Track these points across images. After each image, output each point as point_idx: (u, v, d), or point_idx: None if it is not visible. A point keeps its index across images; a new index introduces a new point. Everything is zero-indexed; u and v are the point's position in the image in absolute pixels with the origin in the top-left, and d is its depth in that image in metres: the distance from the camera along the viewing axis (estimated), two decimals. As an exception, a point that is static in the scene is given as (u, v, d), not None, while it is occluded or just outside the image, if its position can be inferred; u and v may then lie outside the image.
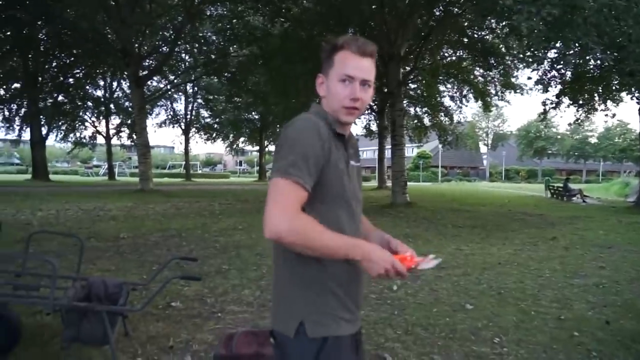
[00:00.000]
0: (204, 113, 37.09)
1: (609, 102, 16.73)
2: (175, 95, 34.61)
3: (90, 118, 31.09)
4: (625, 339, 3.52)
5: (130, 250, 6.38)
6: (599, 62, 13.49)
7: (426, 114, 24.77)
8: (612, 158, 57.44)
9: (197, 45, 22.14)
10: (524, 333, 3.56)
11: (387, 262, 1.12)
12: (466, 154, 54.33)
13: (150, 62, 22.53)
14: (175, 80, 28.21)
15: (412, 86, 22.06)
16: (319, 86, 1.31)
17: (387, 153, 23.17)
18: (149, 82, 24.60)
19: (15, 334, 2.82)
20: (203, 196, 17.07)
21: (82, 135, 31.47)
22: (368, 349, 3.20)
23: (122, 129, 32.39)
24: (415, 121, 25.26)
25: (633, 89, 14.45)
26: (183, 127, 35.94)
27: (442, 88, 22.10)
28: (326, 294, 1.20)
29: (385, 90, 16.43)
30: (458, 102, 22.62)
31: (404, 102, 19.13)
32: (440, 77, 20.14)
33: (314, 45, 15.86)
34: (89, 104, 29.71)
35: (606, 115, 16.48)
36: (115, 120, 32.47)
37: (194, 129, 37.07)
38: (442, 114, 23.73)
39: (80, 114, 29.83)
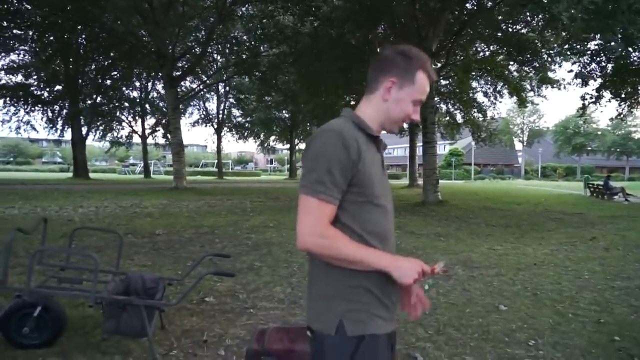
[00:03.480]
0: (236, 112, 37.74)
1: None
2: (208, 95, 35.35)
3: (126, 118, 32.15)
4: (671, 344, 3.37)
5: (165, 246, 6.57)
6: (642, 53, 12.93)
7: (458, 111, 24.32)
8: (658, 154, 54.74)
9: (228, 45, 22.49)
10: (560, 336, 3.46)
11: (416, 268, 1.19)
12: (500, 151, 52.95)
13: (184, 63, 23.05)
14: (208, 81, 28.73)
15: (444, 82, 21.68)
16: (386, 89, 1.30)
17: (419, 151, 22.90)
18: (182, 83, 25.18)
19: (60, 325, 2.96)
20: (235, 194, 17.35)
21: (119, 135, 32.58)
22: (399, 348, 3.19)
23: (157, 129, 33.31)
24: (447, 118, 24.85)
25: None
26: (215, 126, 36.63)
27: (474, 84, 21.63)
28: (364, 293, 1.22)
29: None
30: (492, 98, 22.08)
31: (436, 98, 18.83)
32: (473, 73, 19.69)
33: (344, 43, 15.85)
34: (126, 104, 30.68)
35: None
36: (150, 120, 33.46)
37: (226, 128, 37.73)
38: (475, 110, 23.22)
39: (117, 114, 30.86)
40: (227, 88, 34.45)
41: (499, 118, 28.20)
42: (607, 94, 16.59)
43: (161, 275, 3.68)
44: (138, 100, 31.44)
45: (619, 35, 10.34)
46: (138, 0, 16.86)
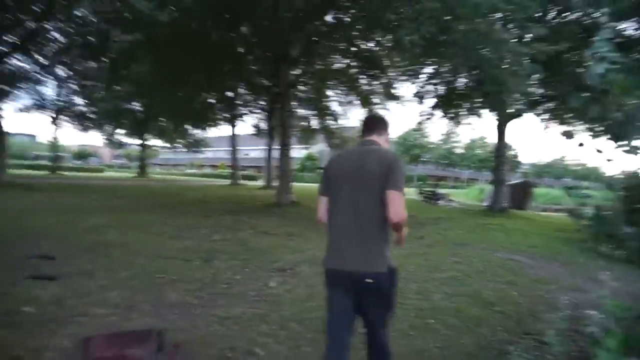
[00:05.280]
0: (79, 100, 33.56)
1: (472, 117, 18.91)
2: (43, 78, 30.76)
3: None
4: (471, 324, 4.02)
5: (-26, 250, 5.54)
6: (466, 80, 15.25)
7: (315, 117, 25.39)
8: (474, 167, 65.04)
9: (73, 25, 19.96)
10: (387, 323, 3.86)
11: None
12: (351, 158, 56.80)
13: (13, 37, 19.75)
14: (44, 61, 25.07)
15: (302, 88, 22.49)
16: (387, 137, 2.57)
17: (276, 153, 23.29)
18: (7, 60, 21.53)
19: None
20: (72, 191, 15.49)
21: None
22: (240, 345, 3.21)
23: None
24: (304, 123, 25.78)
25: (492, 107, 16.57)
26: (53, 115, 32.09)
27: (330, 93, 22.86)
28: (390, 246, 2.31)
29: (276, 90, 16.53)
30: (345, 107, 23.54)
31: (294, 103, 19.44)
32: (329, 82, 20.84)
33: (206, 38, 15.35)
34: None
35: (470, 129, 18.61)
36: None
37: (65, 117, 33.30)
38: (330, 117, 24.52)
39: None
40: (70, 72, 30.51)
41: (351, 127, 30.25)
42: (438, 113, 19.11)
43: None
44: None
45: (448, 64, 12.02)
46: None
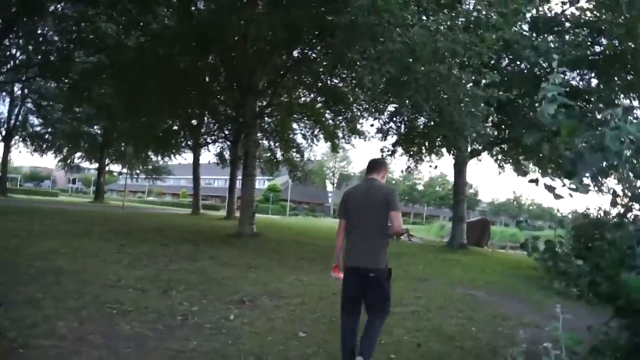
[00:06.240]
0: (34, 120, 32.28)
1: (433, 155, 19.50)
2: (-3, 95, 29.47)
3: None
4: (432, 358, 4.03)
5: None
6: (425, 120, 15.82)
7: (279, 149, 25.43)
8: (434, 204, 66.64)
9: (32, 42, 19.45)
10: (349, 357, 3.80)
11: None
12: (314, 191, 57.10)
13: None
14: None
15: (268, 120, 22.61)
16: (384, 175, 3.73)
17: (239, 184, 23.04)
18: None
19: None
20: (22, 214, 14.63)
21: None
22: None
23: None
24: (268, 154, 25.76)
25: (449, 147, 17.20)
26: (4, 133, 30.63)
27: (295, 126, 23.06)
28: (386, 252, 3.43)
29: (241, 120, 16.54)
30: (309, 140, 23.71)
31: (259, 134, 19.46)
32: (295, 115, 21.07)
33: (173, 64, 15.30)
34: None
35: (430, 166, 19.11)
36: None
37: (17, 137, 31.83)
38: (294, 150, 24.61)
39: None
40: (26, 91, 29.46)
41: (314, 160, 30.43)
42: (400, 150, 19.61)
43: None
44: None
45: (408, 102, 12.45)
46: None
